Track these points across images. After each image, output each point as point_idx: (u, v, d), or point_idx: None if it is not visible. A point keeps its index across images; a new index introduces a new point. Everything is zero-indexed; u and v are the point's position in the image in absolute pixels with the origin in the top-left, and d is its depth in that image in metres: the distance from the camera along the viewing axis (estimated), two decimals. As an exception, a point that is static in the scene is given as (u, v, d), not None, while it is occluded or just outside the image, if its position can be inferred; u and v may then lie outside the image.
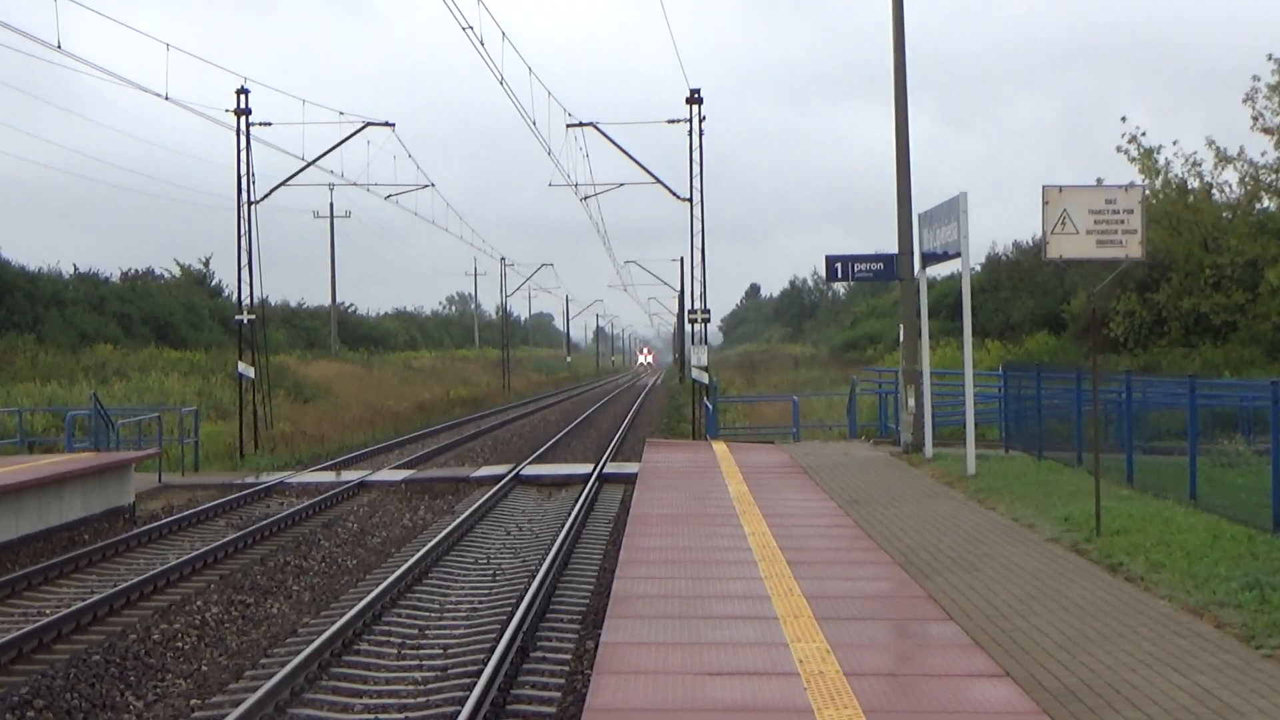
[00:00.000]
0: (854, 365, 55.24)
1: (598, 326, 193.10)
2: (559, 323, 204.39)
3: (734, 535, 14.79)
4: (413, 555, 17.39)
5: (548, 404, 68.06)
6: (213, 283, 76.80)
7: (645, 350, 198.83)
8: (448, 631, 13.55)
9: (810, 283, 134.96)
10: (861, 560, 13.21)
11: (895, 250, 25.34)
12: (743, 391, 56.94)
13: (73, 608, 14.02)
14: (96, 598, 14.50)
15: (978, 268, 60.77)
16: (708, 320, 39.04)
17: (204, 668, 12.22)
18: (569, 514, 21.37)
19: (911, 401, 24.64)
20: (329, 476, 27.88)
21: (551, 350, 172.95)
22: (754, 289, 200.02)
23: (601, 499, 24.18)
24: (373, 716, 10.47)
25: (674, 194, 40.26)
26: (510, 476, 26.63)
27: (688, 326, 41.49)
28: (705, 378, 37.80)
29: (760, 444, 29.28)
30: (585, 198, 46.29)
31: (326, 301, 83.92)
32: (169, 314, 63.17)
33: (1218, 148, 38.34)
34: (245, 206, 36.41)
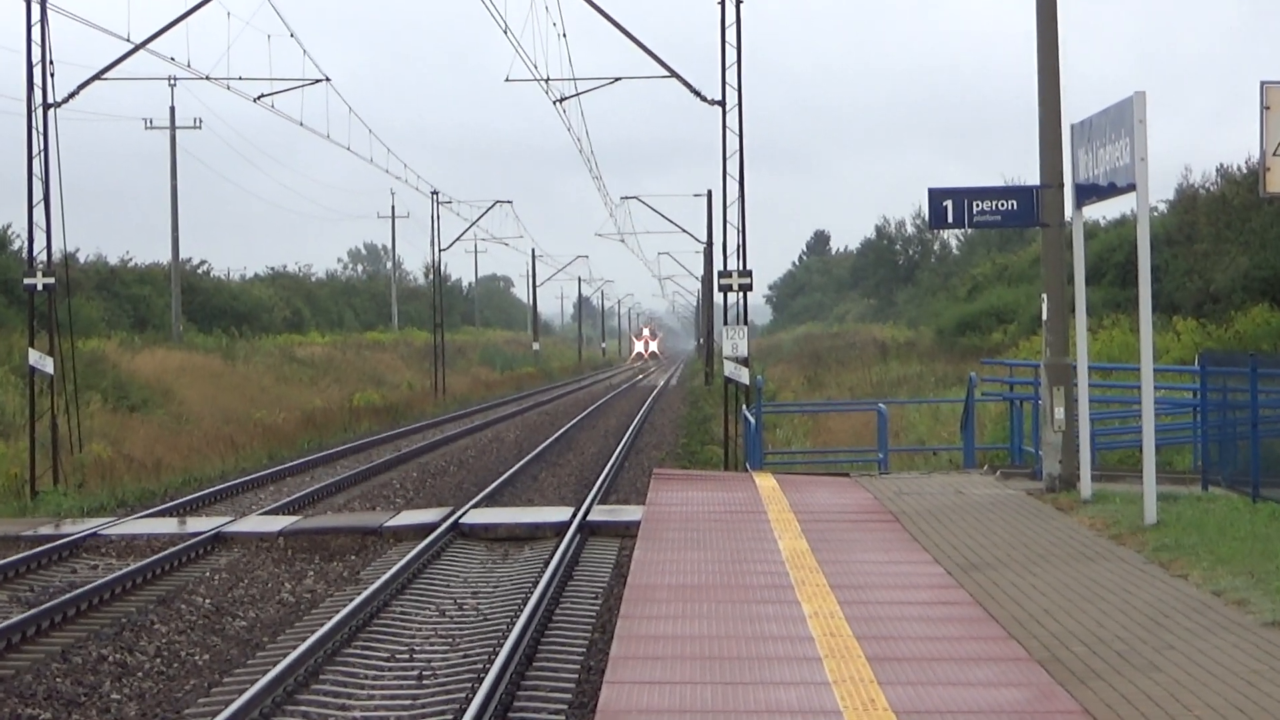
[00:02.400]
0: (972, 356, 55.22)
1: (579, 296, 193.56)
2: (521, 290, 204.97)
3: (786, 617, 14.77)
4: (296, 647, 17.39)
5: (504, 415, 68.09)
6: (-10, 229, 76.89)
7: (646, 334, 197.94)
8: (348, 764, 13.56)
9: (911, 228, 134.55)
10: (982, 655, 13.19)
11: (1035, 181, 25.29)
12: (802, 396, 56.96)
13: None
14: None
15: (1161, 207, 60.81)
16: (748, 287, 39.03)
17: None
18: (535, 584, 21.38)
19: (1060, 412, 24.59)
20: (168, 526, 27.90)
21: (510, 333, 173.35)
22: (819, 239, 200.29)
23: (585, 561, 24.19)
24: None
25: (698, 94, 40.32)
26: (445, 526, 26.63)
27: (718, 296, 41.47)
28: (744, 375, 37.79)
29: (828, 476, 29.23)
30: (561, 99, 46.35)
31: (165, 257, 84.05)
32: (-78, 277, 63.25)
33: None
34: (39, 111, 36.41)
